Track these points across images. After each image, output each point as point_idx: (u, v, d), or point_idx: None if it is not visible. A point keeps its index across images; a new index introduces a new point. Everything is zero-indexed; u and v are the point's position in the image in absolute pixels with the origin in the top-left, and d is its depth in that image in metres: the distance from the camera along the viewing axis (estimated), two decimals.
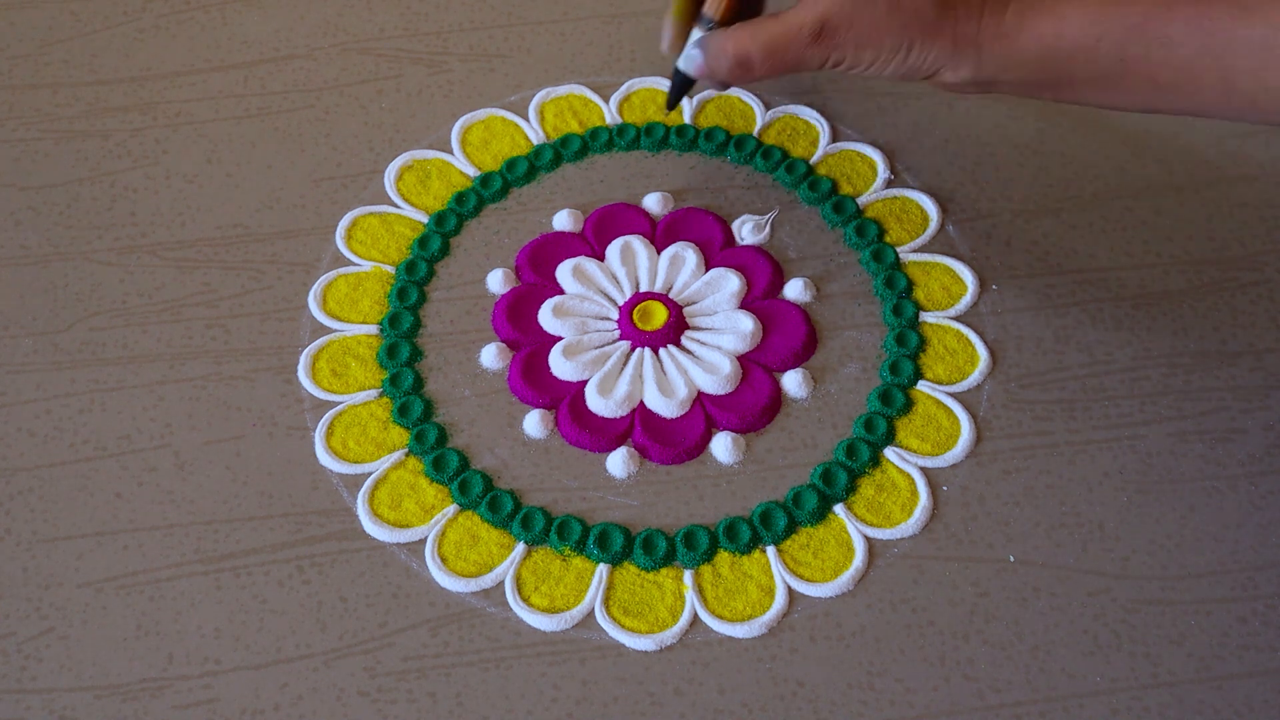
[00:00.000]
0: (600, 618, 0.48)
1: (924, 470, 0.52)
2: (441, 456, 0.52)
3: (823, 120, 0.63)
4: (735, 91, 0.64)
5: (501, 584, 0.49)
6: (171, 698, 0.47)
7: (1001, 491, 0.51)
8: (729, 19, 0.51)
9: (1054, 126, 0.62)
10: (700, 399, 0.54)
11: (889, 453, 0.52)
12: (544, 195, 0.61)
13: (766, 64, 0.49)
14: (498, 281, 0.58)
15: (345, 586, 0.49)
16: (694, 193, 0.61)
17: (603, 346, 0.55)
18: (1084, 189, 0.60)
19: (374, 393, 0.54)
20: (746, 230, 0.59)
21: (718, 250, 0.58)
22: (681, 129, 0.63)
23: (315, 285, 0.58)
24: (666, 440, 0.52)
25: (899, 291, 0.56)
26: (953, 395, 0.54)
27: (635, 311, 0.56)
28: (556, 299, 0.56)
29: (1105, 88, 0.47)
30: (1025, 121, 0.63)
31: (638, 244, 0.58)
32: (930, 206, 0.59)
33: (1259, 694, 0.46)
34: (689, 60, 0.52)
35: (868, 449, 0.52)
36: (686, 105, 0.63)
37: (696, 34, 0.52)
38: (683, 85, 0.54)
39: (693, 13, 0.53)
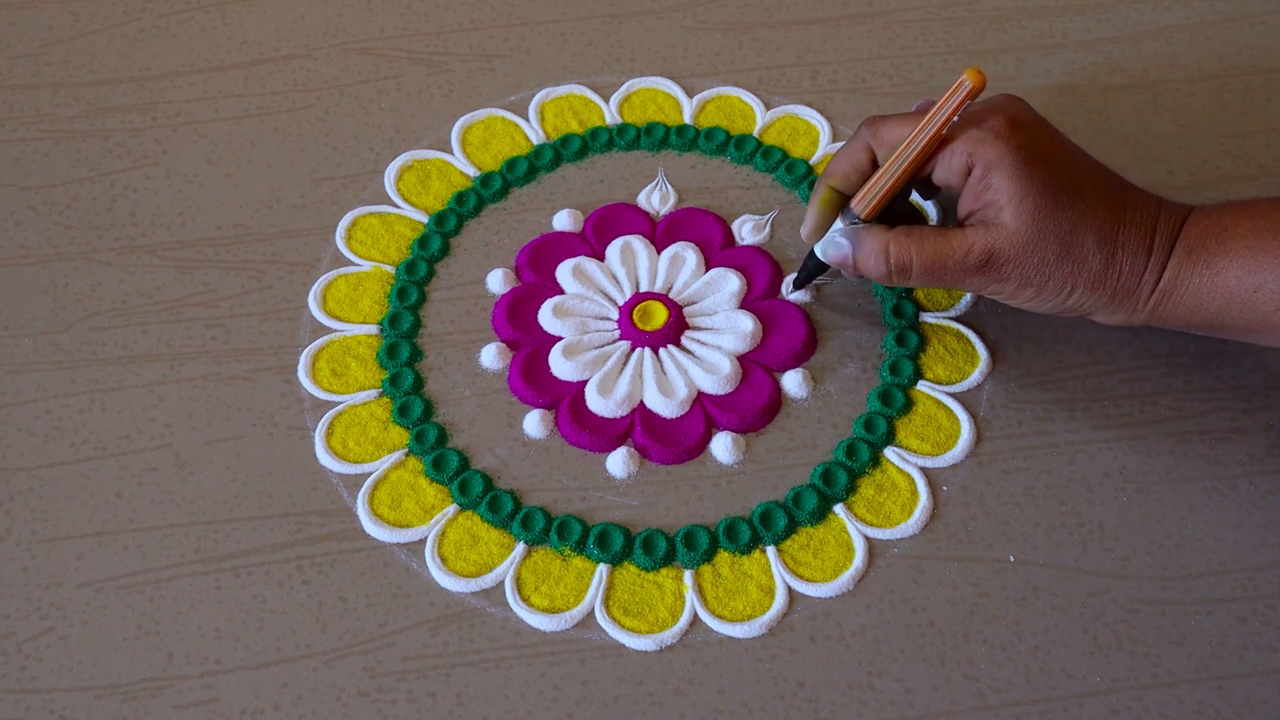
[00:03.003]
0: (600, 618, 0.48)
1: (924, 470, 0.52)
2: (441, 456, 0.52)
3: (823, 120, 0.63)
4: (735, 91, 0.64)
5: (501, 584, 0.49)
6: (171, 698, 0.47)
7: (1001, 491, 0.51)
8: (873, 218, 0.50)
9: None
10: (700, 399, 0.54)
11: (889, 453, 0.52)
12: (544, 195, 0.61)
13: (925, 277, 0.49)
14: (498, 281, 0.58)
15: (345, 586, 0.49)
16: (694, 193, 0.61)
17: (603, 346, 0.55)
18: None
19: (374, 393, 0.54)
20: (746, 230, 0.59)
21: (718, 250, 0.58)
22: (681, 129, 0.63)
23: (315, 285, 0.58)
24: (666, 440, 0.52)
25: (899, 291, 0.56)
26: (953, 395, 0.54)
27: (635, 311, 0.56)
28: (556, 299, 0.56)
29: (1261, 332, 0.47)
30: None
31: (638, 244, 0.58)
32: (930, 207, 0.59)
33: (1259, 694, 0.46)
34: (835, 249, 0.51)
35: (868, 449, 0.52)
36: (686, 105, 0.64)
37: (839, 224, 0.51)
38: (816, 269, 0.54)
39: (838, 206, 0.51)
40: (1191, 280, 0.47)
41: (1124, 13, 0.68)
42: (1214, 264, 0.47)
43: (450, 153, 0.63)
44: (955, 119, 0.48)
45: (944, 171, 0.49)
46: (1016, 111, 0.49)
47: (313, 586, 0.49)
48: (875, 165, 0.50)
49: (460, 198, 0.61)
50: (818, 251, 0.52)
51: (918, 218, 0.53)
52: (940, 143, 0.49)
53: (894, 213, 0.51)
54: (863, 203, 0.50)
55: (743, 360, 0.55)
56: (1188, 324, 0.48)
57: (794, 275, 0.56)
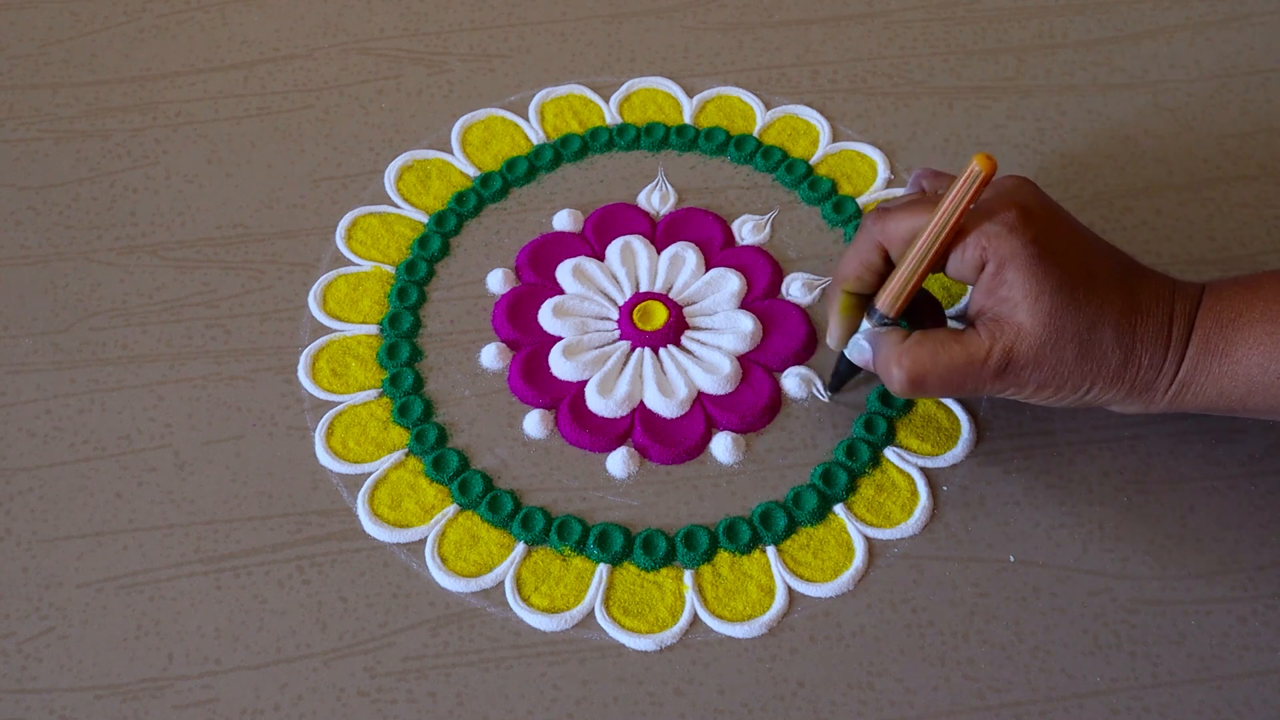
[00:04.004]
0: (600, 618, 0.48)
1: (924, 470, 0.52)
2: (441, 456, 0.52)
3: (823, 120, 0.63)
4: (735, 91, 0.64)
5: (501, 584, 0.49)
6: (171, 698, 0.47)
7: (1001, 491, 0.51)
8: (901, 315, 0.49)
9: (1054, 127, 0.63)
10: (700, 399, 0.54)
11: (889, 453, 0.52)
12: (544, 195, 0.61)
13: (942, 388, 0.47)
14: (498, 281, 0.58)
15: (345, 586, 0.49)
16: (694, 193, 0.61)
17: (603, 346, 0.55)
18: (1084, 189, 0.60)
19: (374, 393, 0.54)
20: (747, 230, 0.59)
21: (718, 250, 0.58)
22: (681, 129, 0.63)
23: (315, 285, 0.58)
24: (666, 440, 0.52)
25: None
26: None
27: (635, 311, 0.56)
28: (556, 299, 0.56)
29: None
30: (1025, 121, 0.63)
31: (638, 244, 0.58)
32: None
33: (1259, 694, 0.46)
34: (859, 351, 0.49)
35: (868, 449, 0.52)
36: (686, 105, 0.64)
37: (866, 325, 0.49)
38: (849, 372, 0.52)
39: (860, 308, 0.49)
40: (1211, 370, 0.46)
41: (1124, 13, 0.68)
42: (1233, 353, 0.45)
43: (450, 153, 0.63)
44: (971, 207, 0.45)
45: (957, 266, 0.46)
46: (1027, 200, 0.46)
47: (313, 586, 0.49)
48: (887, 261, 0.48)
49: (460, 198, 0.61)
50: (848, 354, 0.50)
51: (937, 308, 0.51)
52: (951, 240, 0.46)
53: (914, 304, 0.49)
54: (887, 302, 0.48)
55: (743, 360, 0.55)
56: (1209, 409, 0.47)
57: (831, 377, 0.54)
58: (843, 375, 0.53)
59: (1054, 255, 0.45)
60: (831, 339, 0.50)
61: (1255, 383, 0.45)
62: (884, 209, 0.48)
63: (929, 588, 0.49)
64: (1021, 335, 0.45)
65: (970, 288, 0.49)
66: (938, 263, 0.47)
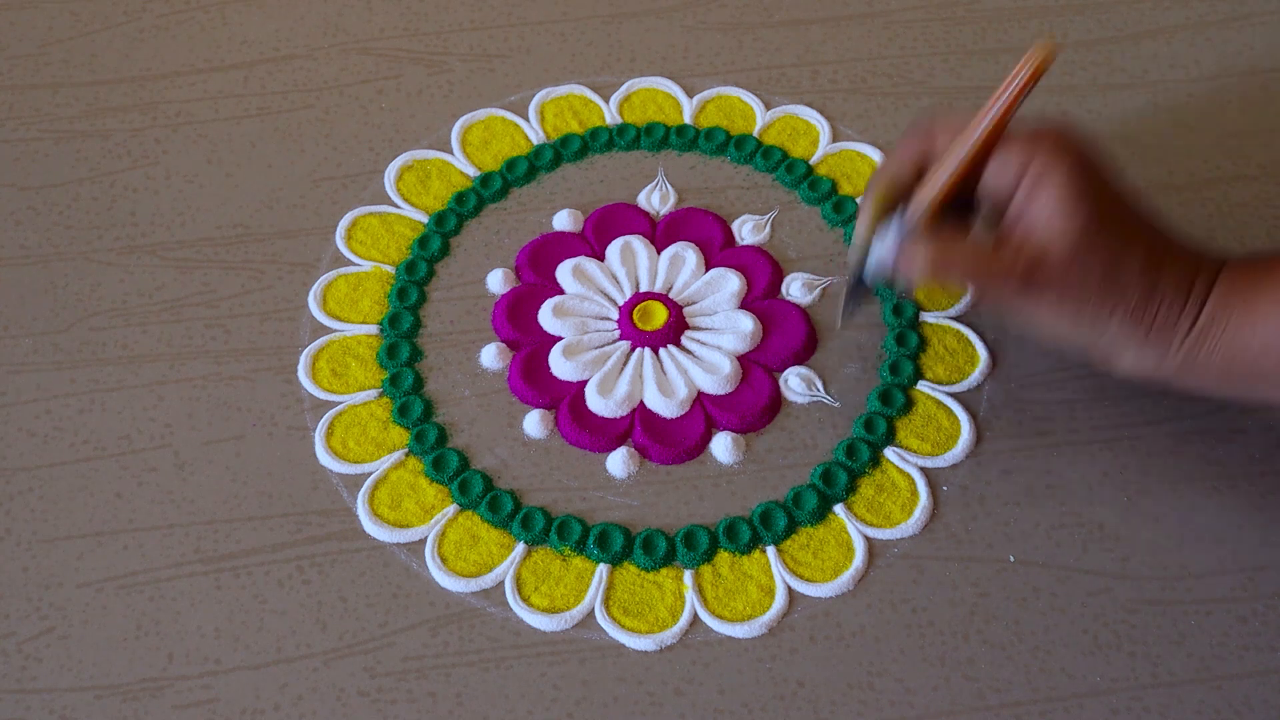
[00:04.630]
0: (600, 618, 0.48)
1: (924, 470, 0.52)
2: (441, 456, 0.52)
3: (823, 120, 0.63)
4: (735, 91, 0.64)
5: (501, 584, 0.49)
6: (171, 698, 0.47)
7: (1001, 491, 0.51)
8: (935, 212, 0.48)
9: None
10: (700, 399, 0.54)
11: (889, 453, 0.52)
12: (544, 195, 0.61)
13: (964, 276, 0.47)
14: (498, 281, 0.58)
15: (345, 586, 0.49)
16: (694, 193, 0.61)
17: (603, 346, 0.55)
18: None
19: (374, 393, 0.55)
20: (747, 230, 0.59)
21: (718, 250, 0.58)
22: (681, 129, 0.63)
23: (315, 285, 0.58)
24: (666, 440, 0.52)
25: (899, 291, 0.56)
26: (953, 395, 0.54)
27: (635, 311, 0.56)
28: (556, 299, 0.56)
29: None
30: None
31: (638, 244, 0.58)
32: None
33: (1259, 694, 0.46)
34: (883, 248, 0.48)
35: (868, 449, 0.52)
36: (686, 105, 0.64)
37: (893, 225, 0.48)
38: (860, 293, 0.51)
39: (891, 206, 0.48)
40: (1229, 322, 0.45)
41: (1124, 13, 0.68)
42: (1253, 307, 0.45)
43: (450, 153, 0.63)
44: (1027, 94, 0.45)
45: (999, 171, 0.47)
46: (1076, 134, 0.47)
47: (313, 586, 0.49)
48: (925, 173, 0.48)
49: (460, 198, 0.61)
50: (874, 249, 0.49)
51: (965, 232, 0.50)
52: (996, 147, 0.47)
53: (942, 227, 0.48)
54: (925, 194, 0.47)
55: (743, 360, 0.55)
56: (1221, 373, 0.47)
57: (845, 301, 0.52)
58: (858, 294, 0.51)
59: (1096, 178, 0.46)
60: (860, 230, 0.49)
61: (1269, 344, 0.45)
62: (929, 119, 0.49)
63: (929, 588, 0.49)
64: (1053, 240, 0.45)
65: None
66: (975, 170, 0.47)
